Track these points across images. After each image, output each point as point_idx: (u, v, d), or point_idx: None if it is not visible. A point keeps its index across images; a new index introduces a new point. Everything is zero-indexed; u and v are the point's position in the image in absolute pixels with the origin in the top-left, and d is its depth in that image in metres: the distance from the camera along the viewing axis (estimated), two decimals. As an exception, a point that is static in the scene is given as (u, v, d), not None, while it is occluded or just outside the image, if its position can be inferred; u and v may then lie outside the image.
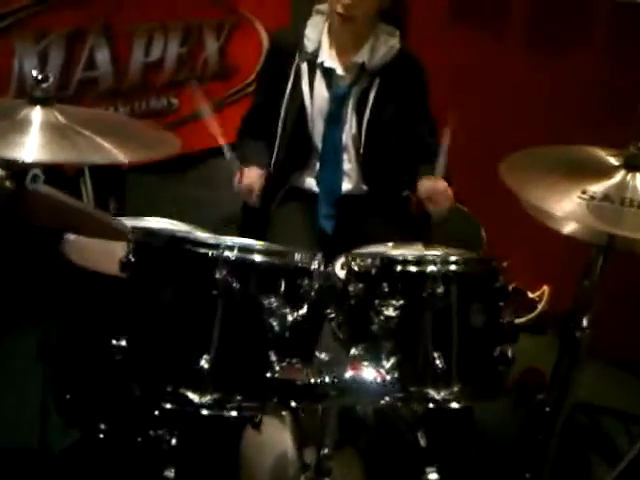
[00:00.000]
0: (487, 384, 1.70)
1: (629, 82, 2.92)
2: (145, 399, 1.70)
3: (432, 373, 1.61)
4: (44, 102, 1.75)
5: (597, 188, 1.73)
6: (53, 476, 2.06)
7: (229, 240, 1.64)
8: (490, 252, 2.60)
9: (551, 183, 1.78)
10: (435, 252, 1.90)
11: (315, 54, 2.36)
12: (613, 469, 2.27)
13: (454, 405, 1.64)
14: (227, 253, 1.55)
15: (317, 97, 2.38)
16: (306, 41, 2.36)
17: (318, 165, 2.46)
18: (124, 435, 1.92)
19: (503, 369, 1.69)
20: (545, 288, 3.30)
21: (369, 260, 1.69)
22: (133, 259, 1.64)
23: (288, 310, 1.58)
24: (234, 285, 1.54)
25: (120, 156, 1.69)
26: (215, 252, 1.55)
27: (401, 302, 1.62)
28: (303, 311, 1.61)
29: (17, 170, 1.59)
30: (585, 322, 1.89)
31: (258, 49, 3.53)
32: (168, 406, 1.58)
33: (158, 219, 2.11)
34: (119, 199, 3.06)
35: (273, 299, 1.57)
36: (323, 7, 2.36)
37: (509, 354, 1.68)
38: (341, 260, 1.81)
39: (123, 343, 1.60)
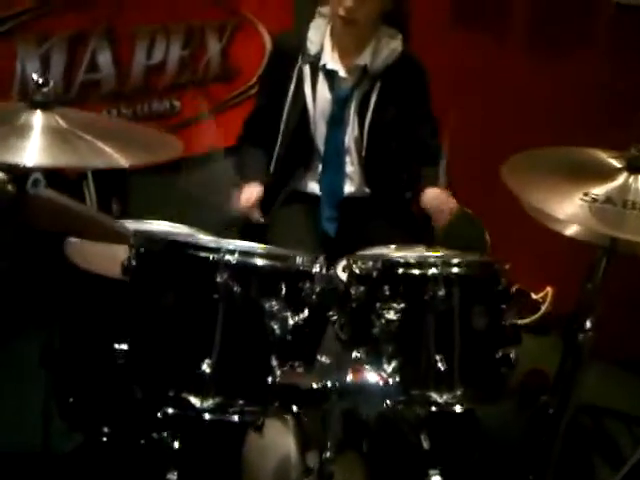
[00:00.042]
0: (490, 387, 1.70)
1: (630, 84, 2.91)
2: (147, 402, 1.70)
3: (434, 376, 1.61)
4: (45, 106, 1.75)
5: (599, 190, 1.72)
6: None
7: (230, 244, 1.64)
8: (493, 254, 2.60)
9: (553, 185, 1.76)
10: (437, 254, 1.90)
11: (318, 57, 2.36)
12: (616, 471, 2.27)
13: (457, 408, 1.64)
14: (228, 257, 1.55)
15: (319, 99, 2.38)
16: (309, 44, 2.36)
17: (320, 167, 2.46)
18: (127, 438, 1.92)
19: (506, 371, 1.68)
20: (548, 289, 3.29)
21: (370, 263, 1.69)
22: (134, 263, 1.64)
23: (289, 313, 1.58)
24: (235, 289, 1.54)
25: (121, 160, 1.68)
26: (216, 256, 1.55)
27: (403, 305, 1.62)
28: (304, 314, 1.61)
29: (18, 174, 1.59)
30: (588, 324, 1.88)
31: (261, 51, 3.51)
32: (170, 410, 1.58)
33: (160, 222, 2.11)
34: (122, 201, 3.06)
35: (274, 303, 1.57)
36: (326, 10, 2.36)
37: (512, 356, 1.67)
38: (343, 263, 1.81)
39: (125, 347, 1.60)
